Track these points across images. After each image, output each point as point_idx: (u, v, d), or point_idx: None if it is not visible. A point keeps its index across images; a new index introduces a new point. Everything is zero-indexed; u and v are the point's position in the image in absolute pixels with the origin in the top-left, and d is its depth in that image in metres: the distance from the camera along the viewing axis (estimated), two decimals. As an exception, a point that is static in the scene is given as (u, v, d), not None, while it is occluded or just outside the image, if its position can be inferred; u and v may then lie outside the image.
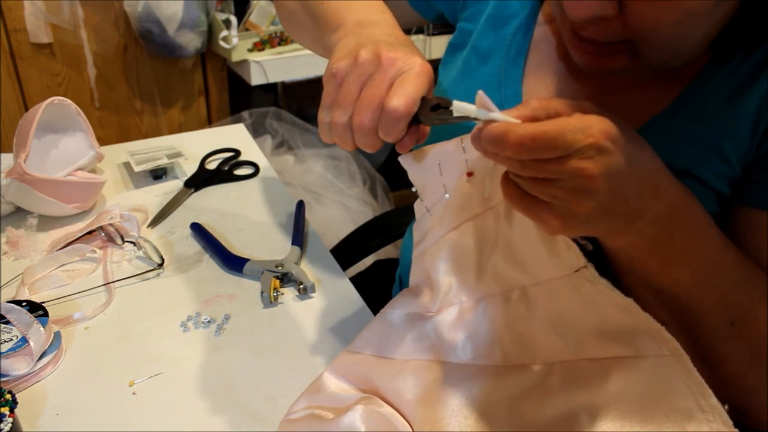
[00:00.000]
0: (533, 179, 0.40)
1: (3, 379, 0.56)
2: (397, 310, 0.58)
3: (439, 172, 0.54)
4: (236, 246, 0.79)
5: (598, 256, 0.47)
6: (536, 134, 0.37)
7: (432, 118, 0.45)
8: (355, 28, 0.52)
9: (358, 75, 0.46)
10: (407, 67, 0.45)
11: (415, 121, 0.46)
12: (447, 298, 0.55)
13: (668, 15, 0.44)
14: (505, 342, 0.51)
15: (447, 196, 0.54)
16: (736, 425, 0.40)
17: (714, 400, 0.40)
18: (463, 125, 0.45)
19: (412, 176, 0.57)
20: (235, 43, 1.72)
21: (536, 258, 0.49)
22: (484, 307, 0.53)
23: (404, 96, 0.44)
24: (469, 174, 0.52)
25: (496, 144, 0.38)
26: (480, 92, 0.40)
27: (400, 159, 0.57)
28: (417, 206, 0.59)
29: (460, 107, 0.41)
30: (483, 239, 0.53)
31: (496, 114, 0.39)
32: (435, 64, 0.52)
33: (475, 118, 0.41)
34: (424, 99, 0.45)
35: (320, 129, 0.49)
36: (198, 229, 0.80)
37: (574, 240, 0.47)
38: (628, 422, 0.42)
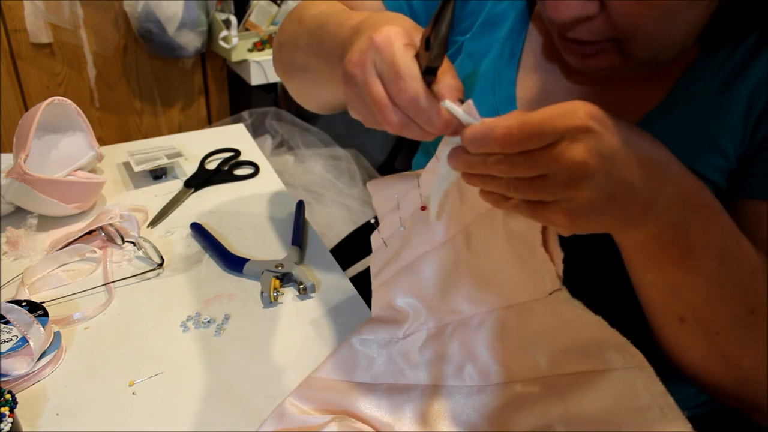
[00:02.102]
0: (526, 181, 0.39)
1: (3, 379, 0.56)
2: (363, 336, 0.59)
3: (396, 206, 0.55)
4: (236, 246, 0.79)
5: (575, 266, 0.47)
6: (522, 122, 0.37)
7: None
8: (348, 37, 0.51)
9: (353, 92, 0.45)
10: (377, 59, 0.43)
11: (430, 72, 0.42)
12: (414, 325, 0.56)
13: (649, 10, 0.44)
14: (477, 362, 0.52)
15: (402, 229, 0.55)
16: (752, 425, 0.41)
17: (676, 408, 0.42)
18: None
19: (375, 204, 0.58)
20: (234, 43, 1.72)
21: (507, 283, 0.50)
22: (451, 330, 0.54)
23: (401, 84, 0.41)
24: (423, 208, 0.53)
25: (483, 140, 0.38)
26: (469, 101, 0.40)
27: (368, 185, 0.58)
28: (374, 238, 0.59)
29: (451, 107, 0.40)
30: (443, 270, 0.54)
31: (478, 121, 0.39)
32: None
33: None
34: (418, 57, 0.42)
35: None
36: (198, 229, 0.80)
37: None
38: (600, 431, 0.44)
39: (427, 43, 0.40)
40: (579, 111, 0.38)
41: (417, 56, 0.42)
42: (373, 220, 0.58)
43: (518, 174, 0.39)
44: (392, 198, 0.56)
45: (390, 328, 0.57)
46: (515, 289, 0.49)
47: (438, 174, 0.48)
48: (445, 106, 0.40)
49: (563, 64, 0.60)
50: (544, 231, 0.45)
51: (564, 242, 0.46)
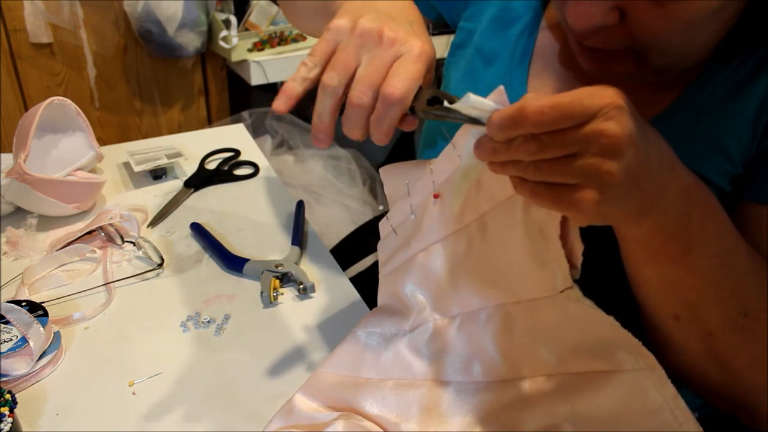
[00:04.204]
0: (555, 162, 0.39)
1: (3, 379, 0.56)
2: (369, 329, 0.58)
3: (407, 192, 0.54)
4: (236, 246, 0.79)
5: (586, 269, 0.47)
6: (553, 103, 0.36)
7: (429, 112, 0.44)
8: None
9: (358, 45, 0.45)
10: (405, 50, 0.44)
11: (409, 110, 0.44)
12: (420, 317, 0.56)
13: (670, 22, 0.44)
14: (484, 358, 0.51)
15: (413, 217, 0.55)
16: (740, 428, 0.41)
17: (687, 412, 0.42)
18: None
19: (387, 190, 0.58)
20: (234, 43, 1.72)
21: (519, 278, 0.49)
22: (459, 324, 0.53)
23: (400, 82, 0.43)
24: (436, 195, 0.53)
25: (513, 123, 0.37)
26: (500, 87, 0.40)
27: (381, 170, 0.57)
28: (382, 225, 0.58)
29: (475, 101, 0.40)
30: (454, 260, 0.53)
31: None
32: (437, 63, 0.52)
33: (477, 120, 0.41)
34: (420, 88, 0.44)
35: (296, 76, 0.47)
36: (198, 229, 0.80)
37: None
38: None
39: (432, 99, 0.43)
40: (608, 90, 0.38)
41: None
42: (381, 208, 0.58)
43: (547, 155, 0.38)
44: (403, 184, 0.55)
45: (397, 320, 0.57)
46: (526, 285, 0.49)
47: (458, 166, 0.47)
48: (470, 98, 0.40)
49: (573, 68, 0.60)
50: (563, 223, 0.44)
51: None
